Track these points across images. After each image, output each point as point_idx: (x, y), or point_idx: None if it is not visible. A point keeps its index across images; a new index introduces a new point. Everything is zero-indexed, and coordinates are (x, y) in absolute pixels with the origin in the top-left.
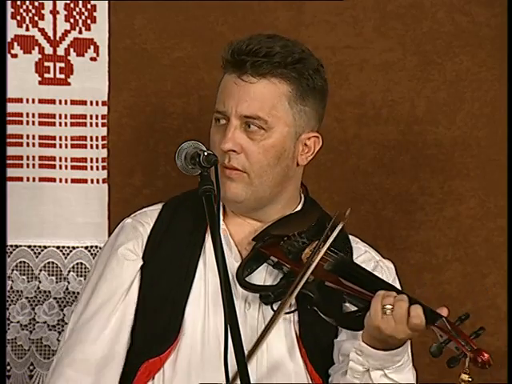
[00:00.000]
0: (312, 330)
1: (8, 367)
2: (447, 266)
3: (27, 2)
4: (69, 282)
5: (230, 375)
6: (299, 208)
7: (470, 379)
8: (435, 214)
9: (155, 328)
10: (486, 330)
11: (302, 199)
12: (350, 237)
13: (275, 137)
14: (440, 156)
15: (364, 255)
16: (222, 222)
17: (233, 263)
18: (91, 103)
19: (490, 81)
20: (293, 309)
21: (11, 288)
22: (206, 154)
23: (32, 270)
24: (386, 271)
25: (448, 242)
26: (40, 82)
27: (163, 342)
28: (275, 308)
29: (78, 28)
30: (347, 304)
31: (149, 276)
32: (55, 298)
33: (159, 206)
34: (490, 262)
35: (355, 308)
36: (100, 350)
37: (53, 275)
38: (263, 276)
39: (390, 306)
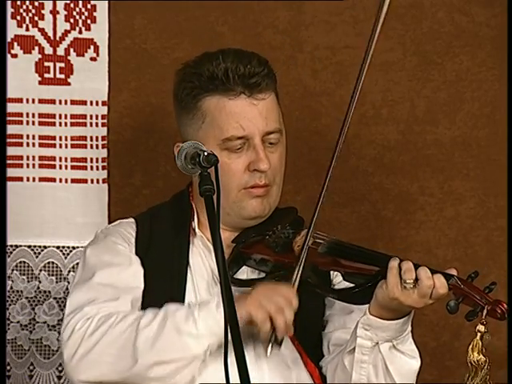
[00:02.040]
0: (301, 322)
1: (8, 367)
2: (447, 265)
3: (27, 2)
4: (69, 282)
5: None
6: None
7: (485, 330)
8: (435, 214)
9: None
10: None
11: None
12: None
13: (283, 143)
14: (440, 156)
15: None
16: (197, 229)
17: (214, 267)
18: (91, 103)
19: (490, 81)
20: None
21: (11, 288)
22: (205, 154)
23: (32, 270)
24: None
25: (448, 242)
26: (40, 82)
27: None
28: None
29: (78, 28)
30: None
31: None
32: (55, 298)
33: (131, 219)
34: (490, 262)
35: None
36: None
37: (53, 275)
38: (245, 276)
39: (411, 281)
